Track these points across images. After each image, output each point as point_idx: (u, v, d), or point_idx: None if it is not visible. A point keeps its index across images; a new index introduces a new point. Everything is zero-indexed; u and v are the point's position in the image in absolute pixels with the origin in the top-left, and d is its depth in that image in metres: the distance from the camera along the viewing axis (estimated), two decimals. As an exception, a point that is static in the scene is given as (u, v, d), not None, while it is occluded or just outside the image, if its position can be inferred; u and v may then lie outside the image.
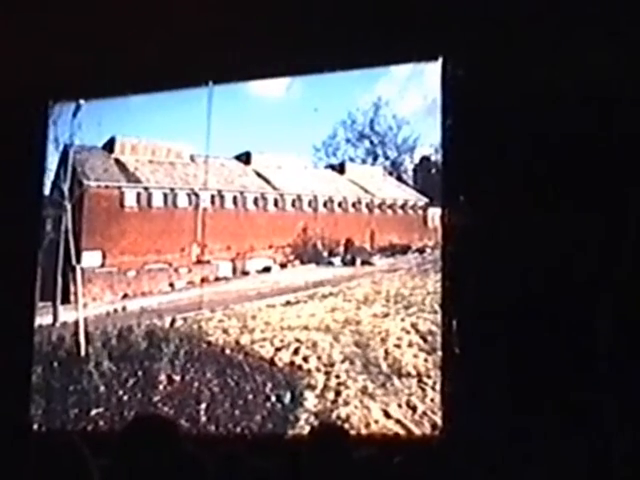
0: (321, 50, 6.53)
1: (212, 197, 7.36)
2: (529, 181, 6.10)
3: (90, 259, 7.37)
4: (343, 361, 6.49)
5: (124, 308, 7.30)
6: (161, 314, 7.19)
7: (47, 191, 7.55)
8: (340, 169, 7.31)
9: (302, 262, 7.16)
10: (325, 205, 6.99)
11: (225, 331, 6.92)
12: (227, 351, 6.85)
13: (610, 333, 5.80)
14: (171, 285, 7.41)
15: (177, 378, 6.89)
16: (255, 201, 7.51)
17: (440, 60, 6.51)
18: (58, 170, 7.57)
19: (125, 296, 7.34)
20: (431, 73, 6.58)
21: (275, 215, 7.43)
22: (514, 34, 6.13)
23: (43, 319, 7.37)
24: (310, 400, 6.47)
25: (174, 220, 7.36)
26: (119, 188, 7.42)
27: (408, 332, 6.43)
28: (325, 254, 6.81)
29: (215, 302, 7.14)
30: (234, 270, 7.34)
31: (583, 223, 5.89)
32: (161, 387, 6.89)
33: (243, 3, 6.54)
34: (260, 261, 7.29)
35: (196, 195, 7.33)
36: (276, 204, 7.14)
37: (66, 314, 7.39)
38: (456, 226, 6.28)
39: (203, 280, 7.25)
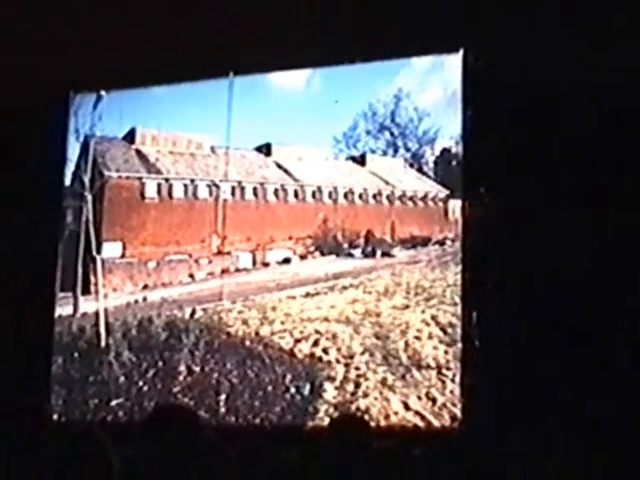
0: (342, 42, 6.53)
1: (232, 188, 7.36)
2: (550, 173, 6.09)
3: (110, 250, 7.39)
4: (363, 353, 6.49)
5: (144, 299, 7.31)
6: (181, 305, 7.20)
7: (68, 182, 7.57)
8: (361, 161, 7.30)
9: (322, 254, 7.15)
10: (345, 197, 6.98)
11: (245, 322, 6.93)
12: (247, 342, 6.85)
13: (632, 330, 5.80)
14: (191, 276, 7.42)
15: (197, 369, 6.90)
16: (275, 192, 7.51)
17: (461, 52, 6.50)
18: (79, 161, 7.59)
19: (145, 287, 7.35)
20: (452, 65, 6.57)
21: (295, 206, 7.43)
22: (535, 25, 6.11)
23: (63, 310, 7.40)
24: (330, 392, 6.47)
25: (194, 211, 7.36)
26: (140, 179, 7.43)
27: (428, 324, 6.42)
28: (345, 245, 6.81)
29: (235, 293, 7.15)
30: (254, 261, 7.34)
31: (606, 217, 5.89)
32: (181, 378, 6.91)
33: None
34: (280, 252, 7.29)
35: (216, 186, 7.33)
36: (296, 195, 7.14)
37: (86, 305, 7.41)
38: (476, 218, 6.27)
39: (223, 271, 7.25)
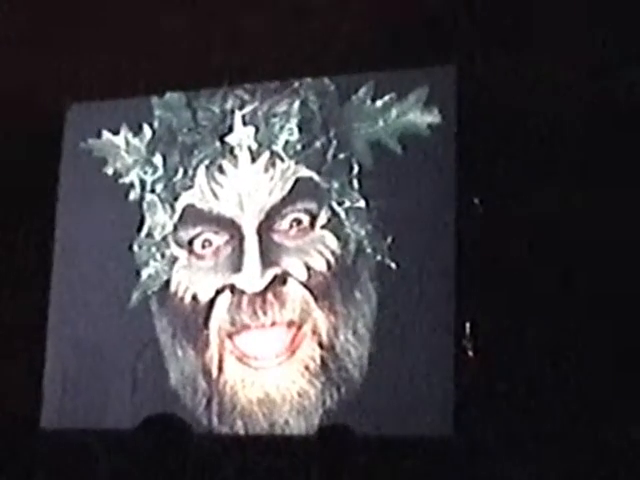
0: (333, 56, 6.59)
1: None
2: (544, 182, 6.13)
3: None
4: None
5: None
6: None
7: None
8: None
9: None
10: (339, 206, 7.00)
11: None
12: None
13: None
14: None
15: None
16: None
17: (455, 65, 6.54)
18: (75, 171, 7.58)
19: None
20: (446, 77, 6.60)
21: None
22: (529, 38, 6.17)
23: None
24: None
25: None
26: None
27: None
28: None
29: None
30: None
31: (601, 223, 5.93)
32: (172, 383, 6.93)
33: (252, 6, 6.62)
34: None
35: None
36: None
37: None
38: (470, 227, 6.30)
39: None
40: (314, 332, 6.60)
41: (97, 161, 7.44)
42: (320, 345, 6.59)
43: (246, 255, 6.81)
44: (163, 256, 7.10)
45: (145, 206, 7.22)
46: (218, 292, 6.86)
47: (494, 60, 6.24)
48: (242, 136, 7.03)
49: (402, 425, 6.27)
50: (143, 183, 7.26)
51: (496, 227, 6.21)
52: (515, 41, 6.23)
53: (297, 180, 6.86)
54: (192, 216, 7.09)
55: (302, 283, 6.68)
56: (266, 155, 6.95)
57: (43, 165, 7.37)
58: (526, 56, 6.20)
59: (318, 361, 6.57)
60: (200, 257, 7.01)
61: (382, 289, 6.53)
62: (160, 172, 7.22)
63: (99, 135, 7.45)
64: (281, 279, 6.71)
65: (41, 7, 7.05)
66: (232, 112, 7.09)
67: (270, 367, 6.69)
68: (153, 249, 7.13)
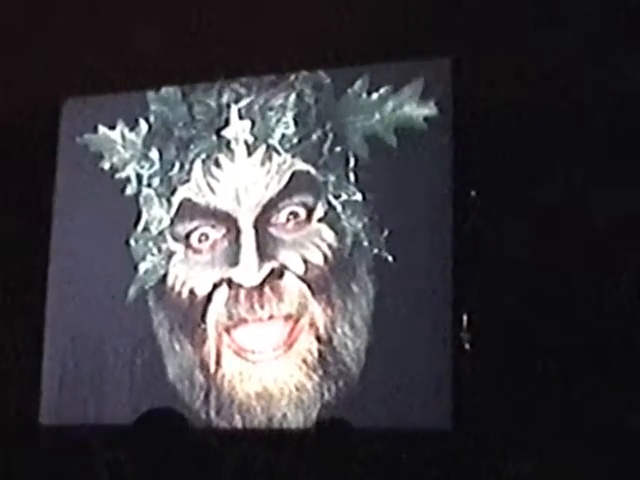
0: (329, 47, 6.58)
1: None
2: (541, 174, 6.14)
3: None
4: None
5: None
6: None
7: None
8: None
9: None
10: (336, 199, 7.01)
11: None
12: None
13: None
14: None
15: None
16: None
17: (451, 57, 6.54)
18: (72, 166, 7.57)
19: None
20: (442, 70, 6.60)
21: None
22: (526, 32, 6.17)
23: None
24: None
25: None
26: (130, 182, 7.42)
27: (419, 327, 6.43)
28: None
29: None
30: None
31: (601, 215, 5.94)
32: (170, 378, 6.93)
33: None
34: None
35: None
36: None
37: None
38: (467, 221, 6.31)
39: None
40: (311, 325, 6.61)
41: (94, 156, 7.43)
42: (317, 338, 6.59)
43: (243, 249, 6.81)
44: (160, 250, 7.10)
45: (142, 201, 7.22)
46: (215, 286, 6.86)
47: (490, 52, 6.24)
48: (238, 130, 7.03)
49: (400, 418, 6.28)
50: (140, 178, 7.26)
51: (493, 219, 6.22)
52: (511, 33, 6.23)
53: (293, 173, 6.86)
54: (189, 210, 7.09)
55: (299, 276, 6.68)
56: (262, 149, 6.95)
57: (39, 160, 7.36)
58: (522, 48, 6.21)
59: (316, 354, 6.57)
60: (197, 251, 7.01)
61: (379, 282, 6.53)
62: (156, 166, 7.22)
63: (95, 130, 7.44)
64: (278, 272, 6.70)
65: (36, 1, 7.05)
66: (228, 106, 7.09)
67: (268, 361, 6.70)
68: (150, 243, 7.13)
